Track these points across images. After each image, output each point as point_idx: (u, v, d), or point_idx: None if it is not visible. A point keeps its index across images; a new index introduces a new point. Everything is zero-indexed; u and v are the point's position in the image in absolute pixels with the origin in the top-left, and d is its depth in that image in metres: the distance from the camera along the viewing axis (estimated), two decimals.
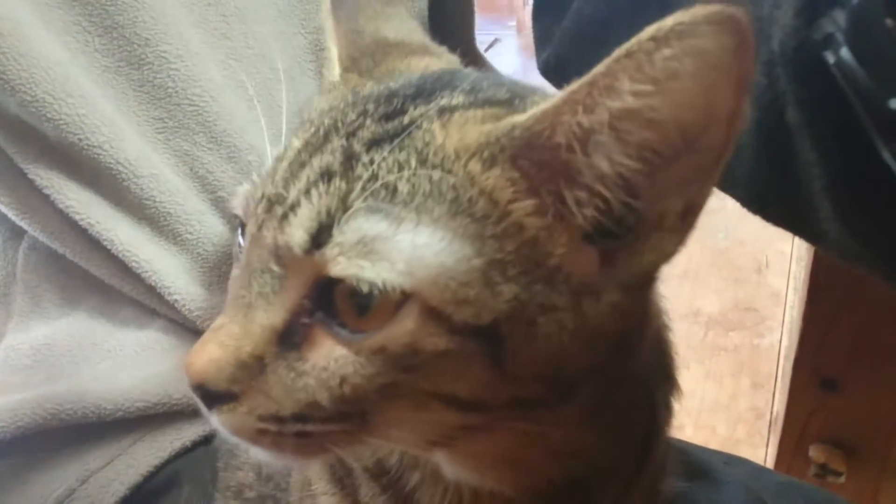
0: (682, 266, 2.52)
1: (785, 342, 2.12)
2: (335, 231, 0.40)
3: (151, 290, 0.80)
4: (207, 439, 0.77)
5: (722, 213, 2.61)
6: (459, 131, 0.43)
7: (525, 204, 0.41)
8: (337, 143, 0.43)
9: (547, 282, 0.41)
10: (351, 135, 0.44)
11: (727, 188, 0.63)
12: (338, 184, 0.41)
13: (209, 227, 0.82)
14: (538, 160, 0.41)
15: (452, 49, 0.75)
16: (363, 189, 0.40)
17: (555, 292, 0.41)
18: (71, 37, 0.82)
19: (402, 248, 0.39)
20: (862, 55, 0.43)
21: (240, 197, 0.47)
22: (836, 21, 0.44)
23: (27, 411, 0.74)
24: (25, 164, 0.78)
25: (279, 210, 0.42)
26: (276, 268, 0.42)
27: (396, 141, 0.42)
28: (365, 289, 0.39)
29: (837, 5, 0.45)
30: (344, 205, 0.40)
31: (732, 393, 2.10)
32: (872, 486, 1.29)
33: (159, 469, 0.76)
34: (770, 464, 1.45)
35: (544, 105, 0.40)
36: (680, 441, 0.84)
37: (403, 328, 0.40)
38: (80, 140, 0.77)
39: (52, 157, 0.79)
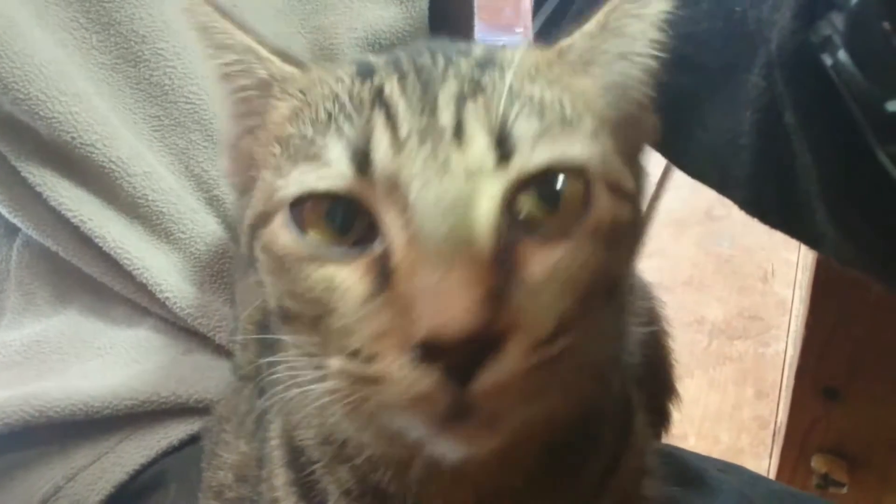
0: (686, 274, 2.50)
1: (790, 351, 2.11)
2: (513, 132, 0.41)
3: (143, 287, 0.80)
4: (195, 438, 0.76)
5: (727, 221, 2.60)
6: (542, 56, 0.47)
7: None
8: (450, 73, 0.44)
9: (632, 166, 0.47)
10: (453, 64, 0.45)
11: (725, 189, 0.63)
12: (486, 100, 0.42)
13: (202, 226, 0.82)
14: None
15: None
16: (508, 100, 0.42)
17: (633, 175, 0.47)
18: (68, 33, 0.82)
19: (570, 133, 0.43)
20: (859, 58, 0.43)
21: (338, 163, 0.42)
22: (834, 24, 0.44)
23: (15, 408, 0.74)
24: (18, 162, 0.78)
25: (443, 138, 0.41)
26: (467, 194, 0.40)
27: (495, 66, 0.45)
28: (569, 164, 0.41)
29: (835, 8, 0.45)
30: (505, 112, 0.42)
31: (736, 402, 2.09)
32: (875, 497, 1.28)
33: (146, 467, 0.75)
34: (773, 474, 1.44)
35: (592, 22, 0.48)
36: (675, 448, 0.83)
37: (603, 204, 0.42)
38: (72, 138, 0.77)
39: (44, 155, 0.79)
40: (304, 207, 0.42)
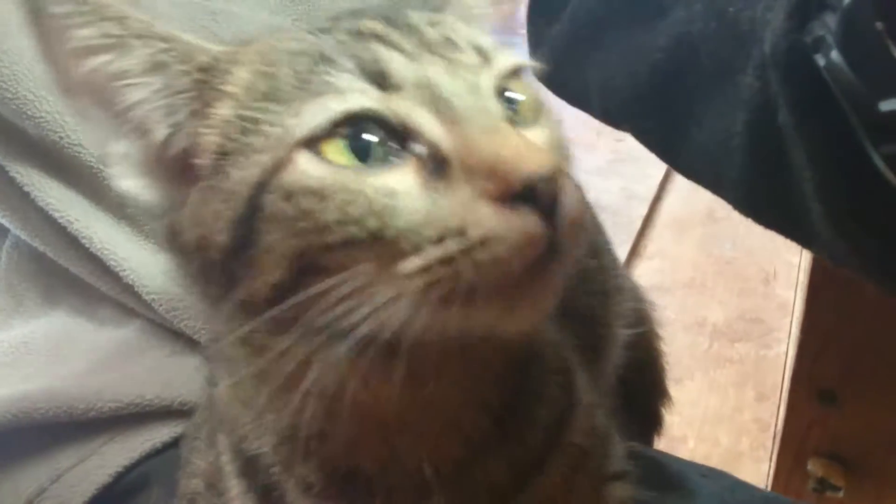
0: (687, 275, 2.50)
1: (791, 354, 2.10)
2: (482, 44, 0.49)
3: (129, 288, 0.79)
4: (178, 441, 0.76)
5: (729, 222, 2.59)
6: None
7: None
8: (406, 13, 0.50)
9: None
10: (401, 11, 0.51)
11: (719, 190, 0.63)
12: (450, 26, 0.50)
13: None
14: None
15: None
16: (463, 26, 0.50)
17: None
18: None
19: (509, 50, 0.51)
20: (852, 58, 0.42)
21: (352, 87, 0.45)
22: (827, 24, 0.44)
23: (1, 410, 0.74)
24: (6, 161, 0.79)
25: (443, 46, 0.48)
26: (480, 83, 0.47)
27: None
28: (526, 66, 0.52)
29: (828, 8, 0.44)
30: (468, 32, 0.50)
31: (736, 405, 2.08)
32: (872, 501, 1.27)
33: (129, 470, 0.75)
34: (772, 477, 1.43)
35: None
36: (657, 452, 0.83)
37: (547, 101, 0.52)
38: (60, 138, 0.77)
39: (32, 155, 0.79)
40: (320, 142, 0.44)
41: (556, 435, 0.57)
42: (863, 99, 0.42)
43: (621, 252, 2.53)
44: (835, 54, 0.43)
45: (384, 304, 0.42)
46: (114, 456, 0.75)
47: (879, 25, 0.40)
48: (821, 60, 0.44)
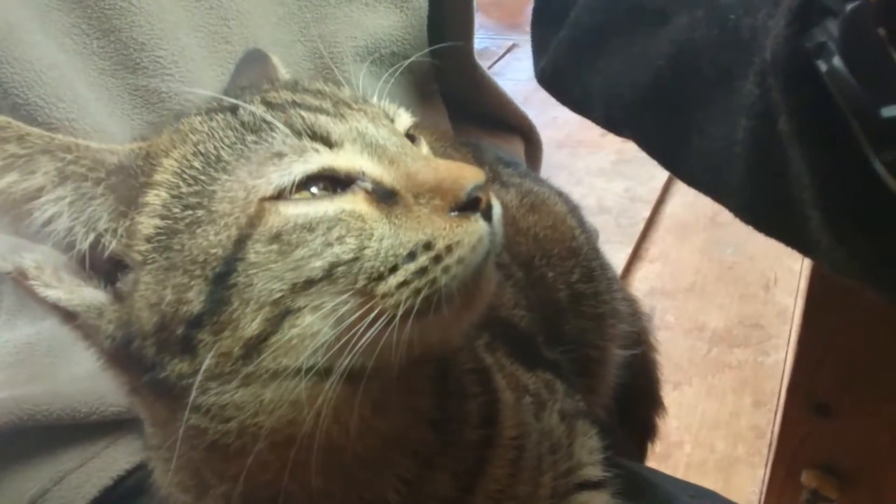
0: (688, 280, 2.50)
1: (790, 361, 2.10)
2: (387, 109, 0.58)
3: None
4: None
5: (731, 227, 2.57)
6: None
7: None
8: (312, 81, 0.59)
9: None
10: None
11: (720, 197, 0.63)
12: (357, 94, 0.59)
13: None
14: None
15: (452, 56, 0.89)
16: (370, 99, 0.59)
17: None
18: (70, 39, 0.84)
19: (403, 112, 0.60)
20: (854, 64, 0.42)
21: (308, 148, 0.51)
22: (829, 30, 0.44)
23: (5, 411, 0.75)
24: None
25: (359, 103, 0.56)
26: (397, 131, 0.56)
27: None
28: (413, 123, 0.59)
29: (830, 15, 0.44)
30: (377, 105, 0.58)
31: (734, 410, 2.08)
32: None
33: (130, 473, 0.76)
34: (765, 486, 1.43)
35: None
36: (650, 470, 0.83)
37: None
38: None
39: None
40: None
41: (491, 429, 0.61)
42: (864, 105, 0.42)
43: (623, 255, 2.53)
44: (836, 60, 0.43)
45: (367, 327, 0.46)
46: (116, 459, 0.76)
47: (881, 31, 0.40)
48: (822, 66, 0.44)
